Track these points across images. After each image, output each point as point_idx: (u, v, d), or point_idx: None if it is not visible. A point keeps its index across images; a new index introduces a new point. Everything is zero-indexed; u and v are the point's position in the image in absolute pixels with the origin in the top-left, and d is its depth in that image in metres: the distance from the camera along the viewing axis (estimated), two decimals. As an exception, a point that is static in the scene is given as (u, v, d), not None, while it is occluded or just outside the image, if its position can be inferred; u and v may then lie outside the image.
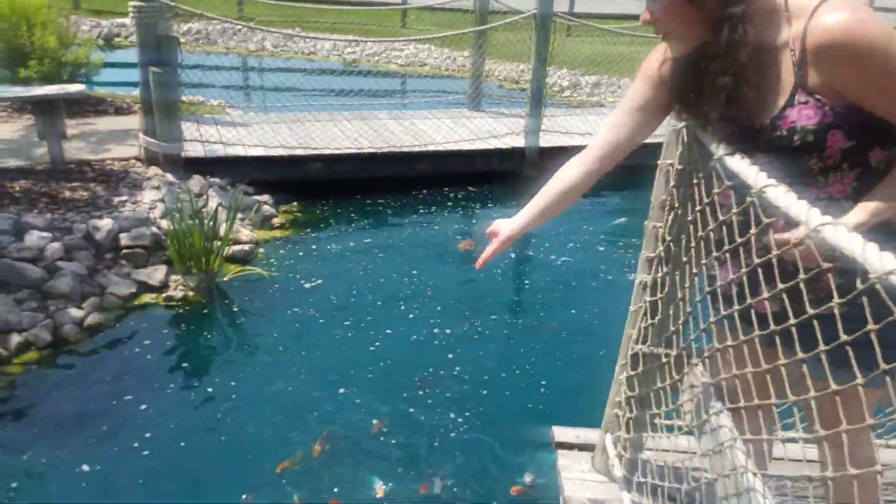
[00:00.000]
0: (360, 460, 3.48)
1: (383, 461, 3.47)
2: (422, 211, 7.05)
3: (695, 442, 2.08)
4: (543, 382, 4.16)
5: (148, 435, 3.57)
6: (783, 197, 1.25)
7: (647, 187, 2.11)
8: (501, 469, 3.45)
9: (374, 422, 3.75)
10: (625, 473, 2.21)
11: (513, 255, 6.07)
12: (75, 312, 4.46)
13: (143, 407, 3.80)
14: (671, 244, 1.95)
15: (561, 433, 2.65)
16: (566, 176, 1.81)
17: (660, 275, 2.01)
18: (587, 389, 3.90)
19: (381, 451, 3.55)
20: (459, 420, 3.78)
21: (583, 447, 2.60)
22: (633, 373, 2.14)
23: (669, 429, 2.08)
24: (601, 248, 6.32)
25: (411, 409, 3.89)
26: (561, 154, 1.98)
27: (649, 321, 2.07)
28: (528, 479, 3.35)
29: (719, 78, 1.50)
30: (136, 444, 3.50)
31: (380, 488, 3.28)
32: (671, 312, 1.97)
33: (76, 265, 4.75)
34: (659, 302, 2.01)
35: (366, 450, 3.55)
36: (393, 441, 3.62)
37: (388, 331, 4.69)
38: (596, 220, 7.00)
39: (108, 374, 4.08)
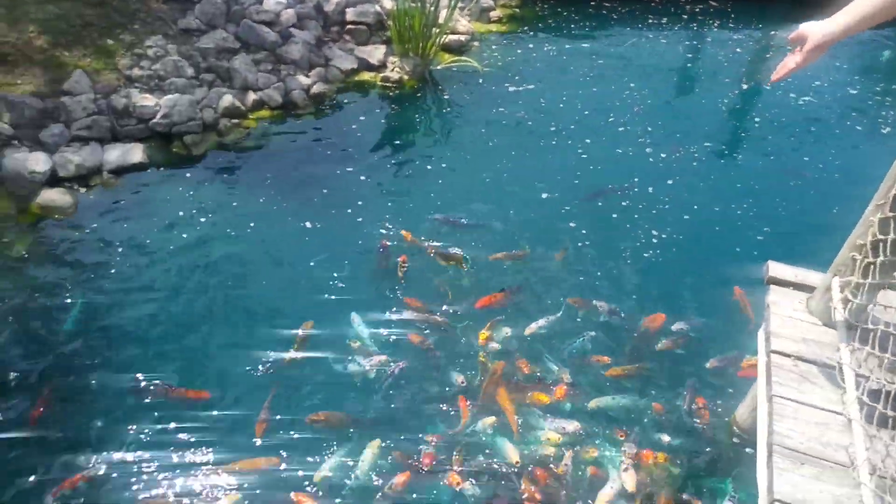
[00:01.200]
0: (549, 269, 3.49)
1: (569, 277, 3.43)
2: (650, 21, 6.40)
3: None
4: (758, 222, 3.83)
5: (360, 203, 3.84)
6: None
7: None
8: (688, 296, 3.33)
9: (571, 224, 3.74)
10: (849, 320, 2.01)
11: (744, 87, 5.43)
12: (303, 80, 4.73)
13: (361, 178, 4.06)
14: None
15: (776, 269, 2.44)
16: None
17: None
18: (807, 235, 3.58)
19: (568, 263, 3.51)
20: (655, 242, 3.64)
21: (799, 286, 2.39)
22: (892, 214, 1.85)
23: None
24: (852, 92, 5.43)
25: (614, 216, 3.82)
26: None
27: (934, 155, 1.74)
28: (686, 326, 3.14)
29: None
30: (349, 211, 3.79)
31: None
32: (970, 147, 1.63)
33: (306, 34, 4.95)
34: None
35: (554, 258, 3.55)
36: (582, 250, 3.59)
37: (588, 140, 4.52)
38: (847, 57, 5.94)
39: (329, 141, 4.37)
